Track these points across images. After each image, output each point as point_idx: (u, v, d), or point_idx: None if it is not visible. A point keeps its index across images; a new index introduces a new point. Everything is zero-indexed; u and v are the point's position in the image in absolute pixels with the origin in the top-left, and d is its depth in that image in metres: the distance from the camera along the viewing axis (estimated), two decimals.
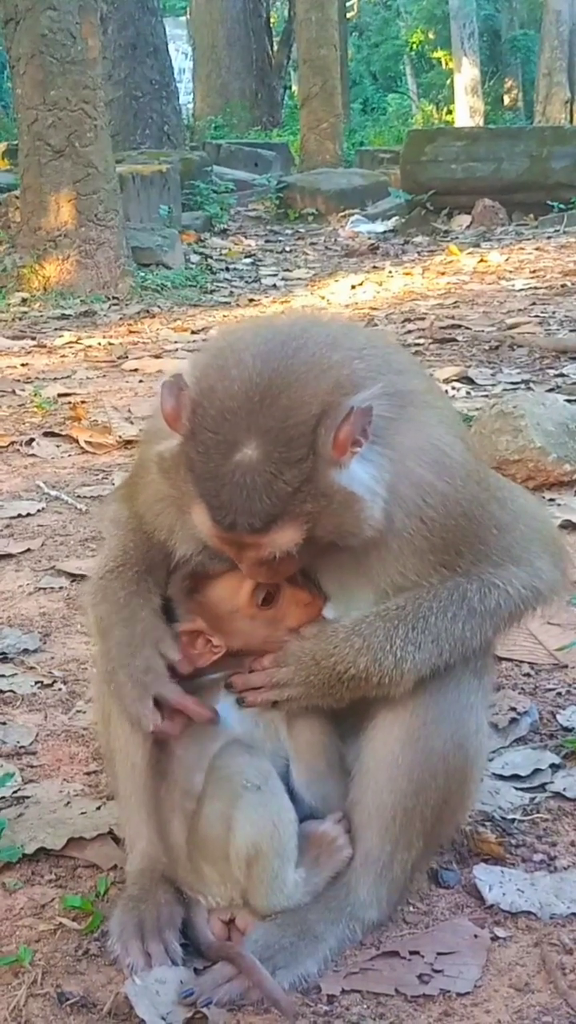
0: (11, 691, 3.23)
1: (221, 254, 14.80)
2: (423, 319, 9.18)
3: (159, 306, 11.06)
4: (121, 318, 10.46)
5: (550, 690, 3.11)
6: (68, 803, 2.62)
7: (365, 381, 1.93)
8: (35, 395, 7.05)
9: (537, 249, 13.35)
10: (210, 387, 1.92)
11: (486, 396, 6.29)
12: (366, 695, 2.07)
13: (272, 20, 31.43)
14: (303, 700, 2.10)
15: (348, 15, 36.96)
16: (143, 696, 2.06)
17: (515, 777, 2.65)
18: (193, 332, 9.41)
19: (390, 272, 12.59)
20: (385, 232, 16.21)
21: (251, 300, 11.46)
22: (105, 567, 2.19)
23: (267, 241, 16.41)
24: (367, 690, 2.06)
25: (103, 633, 2.14)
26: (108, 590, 2.16)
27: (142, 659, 2.08)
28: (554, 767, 2.69)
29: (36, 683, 3.28)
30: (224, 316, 10.15)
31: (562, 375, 6.89)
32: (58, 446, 5.99)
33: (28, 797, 2.66)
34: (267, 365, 1.92)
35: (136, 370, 7.91)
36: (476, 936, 2.13)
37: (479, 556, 2.08)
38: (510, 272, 11.85)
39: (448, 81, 33.87)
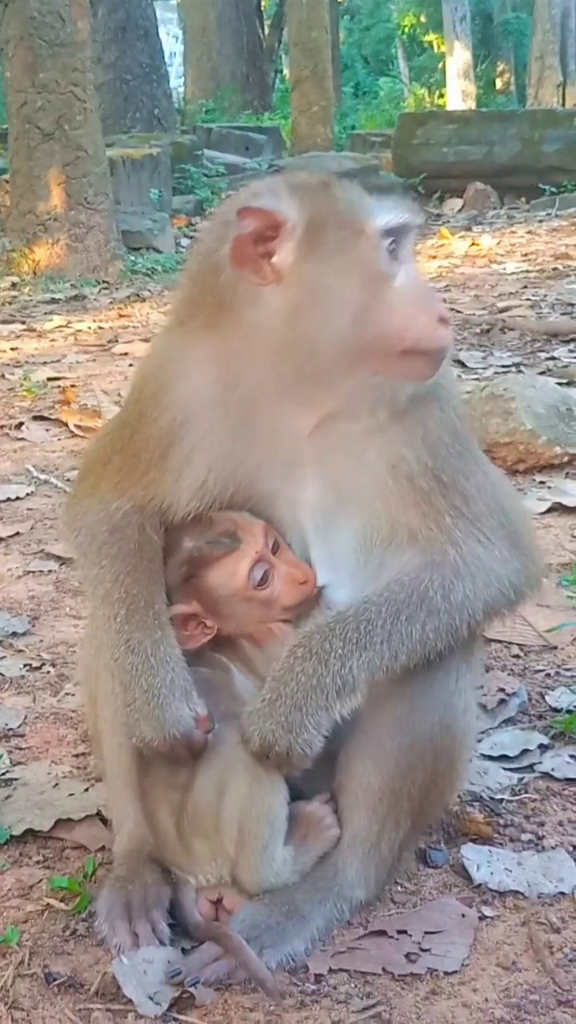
0: (0, 674, 3.22)
1: None
2: None
3: (149, 290, 11.02)
4: (111, 302, 10.42)
5: (539, 671, 3.12)
6: (56, 785, 2.62)
7: None
8: (24, 379, 7.03)
9: (529, 232, 13.33)
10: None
11: (477, 379, 6.27)
12: (330, 714, 2.00)
13: (263, 3, 31.25)
14: (274, 745, 2.01)
15: None
16: (173, 745, 2.05)
17: (503, 757, 2.65)
18: None
19: None
20: None
21: None
22: (117, 616, 2.11)
23: None
24: (331, 703, 2.00)
25: (127, 685, 2.08)
26: (132, 640, 2.09)
27: (172, 711, 2.05)
28: (542, 747, 2.70)
29: (25, 666, 3.28)
30: None
31: (553, 358, 6.88)
32: (47, 430, 5.98)
33: (16, 779, 2.67)
34: None
35: (126, 354, 7.88)
36: (464, 915, 2.14)
37: (456, 491, 2.08)
38: (501, 255, 11.83)
39: (440, 64, 33.78)
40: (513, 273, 10.55)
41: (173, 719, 2.05)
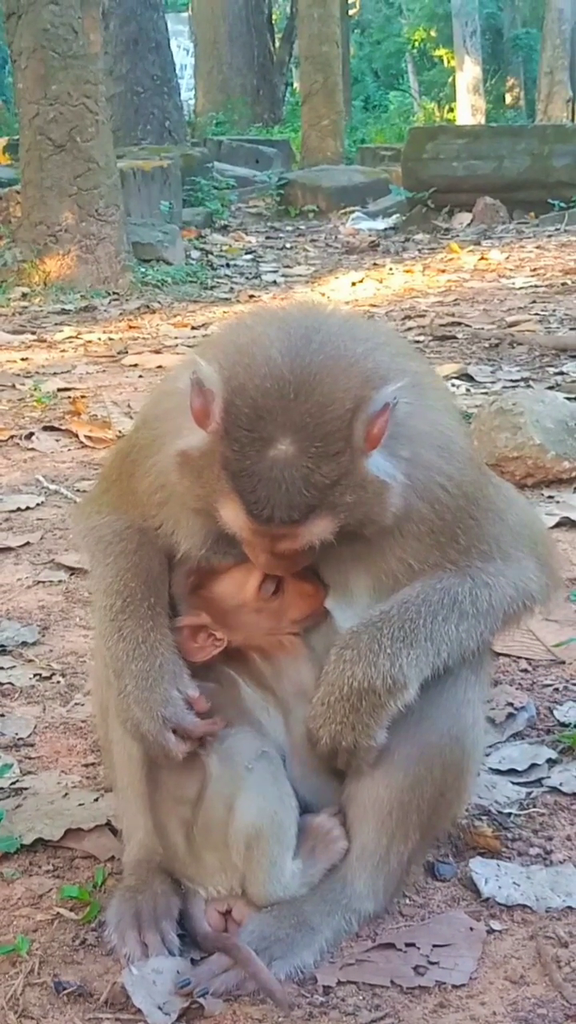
0: (10, 683, 3.24)
1: (222, 250, 14.79)
2: (423, 316, 9.18)
3: (159, 302, 11.06)
4: (121, 313, 10.45)
5: (547, 686, 3.12)
6: (66, 794, 2.63)
7: (389, 372, 1.97)
8: (35, 389, 7.06)
9: (537, 247, 13.35)
10: (241, 385, 1.92)
11: (486, 393, 6.29)
12: (387, 711, 2.05)
13: (274, 16, 31.38)
14: (340, 741, 2.07)
15: (350, 12, 36.93)
16: (163, 729, 2.06)
17: (512, 772, 2.66)
18: (193, 328, 9.41)
19: (390, 269, 12.59)
20: (386, 229, 16.20)
21: (251, 296, 11.46)
22: (113, 607, 2.15)
23: (268, 238, 16.41)
24: (384, 701, 2.04)
25: (119, 672, 2.11)
26: (124, 628, 2.13)
27: (160, 692, 2.07)
28: (551, 762, 2.70)
29: (35, 675, 3.29)
30: (224, 312, 10.14)
31: (561, 373, 6.90)
32: (57, 440, 6.00)
33: (26, 788, 2.68)
34: (296, 361, 1.93)
35: (136, 365, 7.91)
36: (472, 929, 2.14)
37: (473, 540, 2.10)
38: (510, 270, 11.85)
39: (450, 79, 33.86)
40: (522, 288, 10.57)
41: (161, 699, 2.06)
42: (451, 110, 32.44)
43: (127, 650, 2.11)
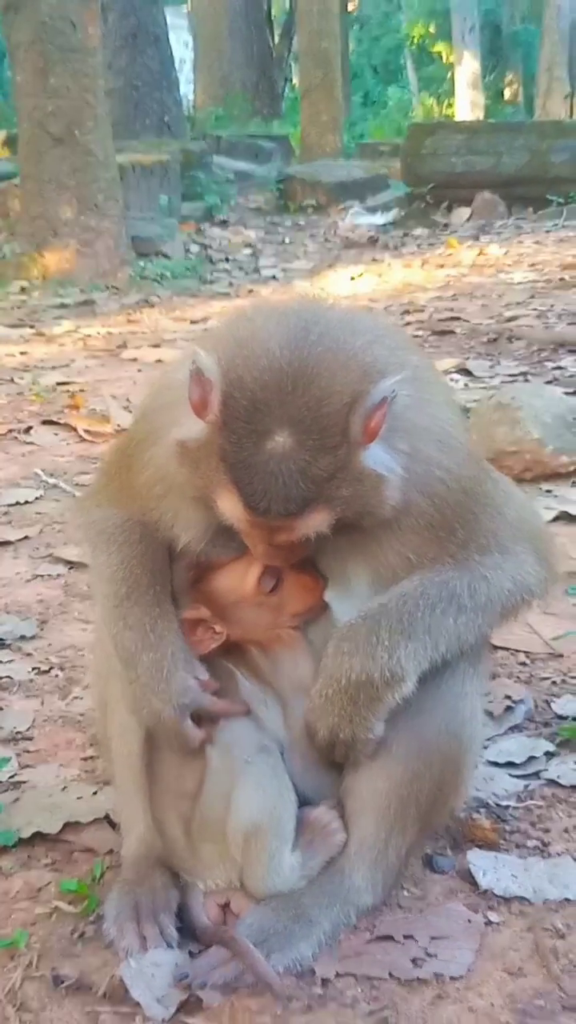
0: (8, 677, 3.24)
1: (221, 245, 14.79)
2: (422, 311, 9.18)
3: (158, 296, 11.05)
4: (120, 307, 10.44)
5: (545, 679, 3.13)
6: (64, 788, 2.63)
7: (388, 366, 1.97)
8: (34, 383, 7.06)
9: (536, 243, 13.34)
10: (239, 377, 1.92)
11: (484, 388, 6.29)
12: (385, 703, 2.05)
13: (274, 12, 31.32)
14: (339, 733, 2.07)
15: (349, 7, 36.85)
16: (183, 717, 2.07)
17: (510, 764, 2.66)
18: (192, 322, 9.40)
19: (389, 264, 12.58)
20: (385, 224, 16.20)
21: (250, 291, 11.45)
22: (117, 593, 2.15)
23: (267, 232, 16.41)
24: (382, 694, 2.04)
25: (129, 662, 2.11)
26: (130, 616, 2.12)
27: (178, 681, 2.08)
28: (548, 755, 2.70)
29: (33, 669, 3.29)
30: (223, 307, 10.14)
31: (560, 367, 6.89)
32: (56, 434, 6.00)
33: (25, 782, 2.67)
34: (295, 354, 1.93)
35: (135, 359, 7.90)
36: (470, 921, 2.14)
37: (471, 533, 2.10)
38: (509, 265, 11.84)
39: (449, 75, 33.84)
40: (520, 283, 10.56)
41: (179, 689, 2.07)
42: (450, 105, 32.44)
43: (135, 639, 2.10)
